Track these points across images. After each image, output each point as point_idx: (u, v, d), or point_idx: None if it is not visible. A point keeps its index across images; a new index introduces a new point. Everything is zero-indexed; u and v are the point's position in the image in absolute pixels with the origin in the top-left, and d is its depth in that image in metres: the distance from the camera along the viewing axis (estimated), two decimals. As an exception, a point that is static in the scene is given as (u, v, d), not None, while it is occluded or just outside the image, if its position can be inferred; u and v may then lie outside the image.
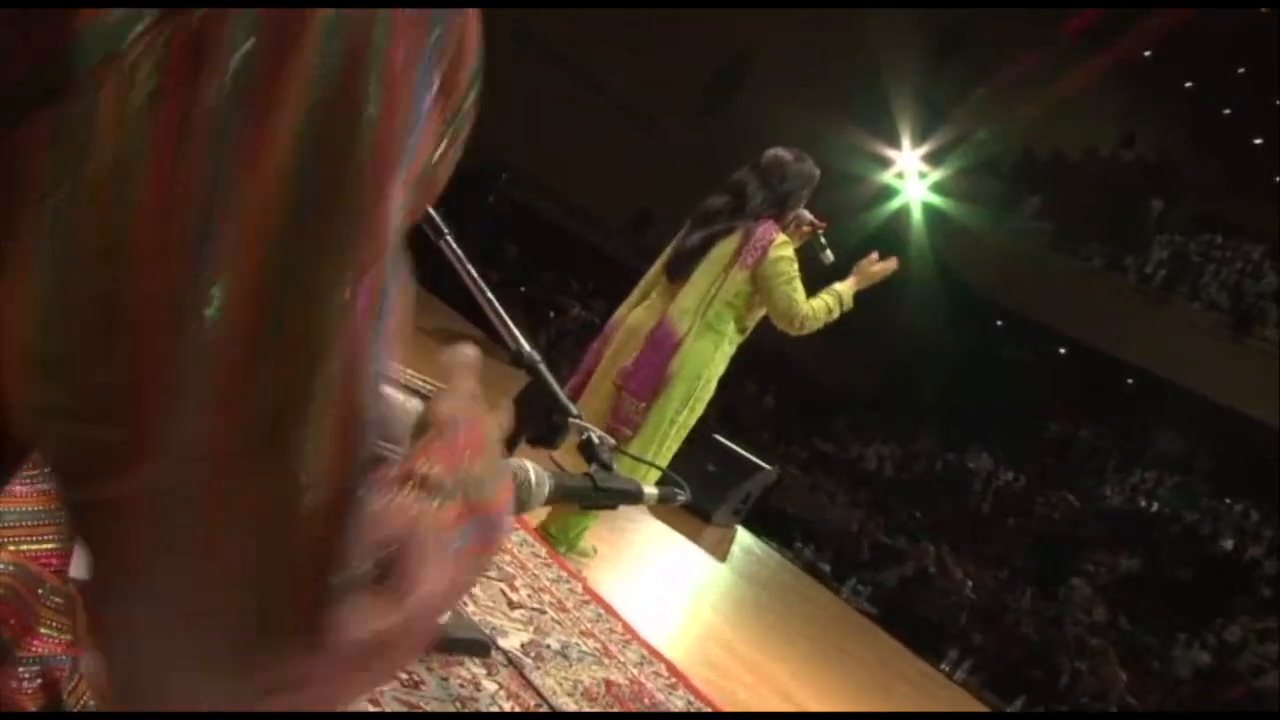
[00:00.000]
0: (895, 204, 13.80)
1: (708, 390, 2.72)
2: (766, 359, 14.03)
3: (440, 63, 0.33)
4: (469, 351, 0.54)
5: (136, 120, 0.26)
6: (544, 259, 12.00)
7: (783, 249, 2.67)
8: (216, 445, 0.28)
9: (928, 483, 12.60)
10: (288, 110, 0.28)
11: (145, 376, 0.27)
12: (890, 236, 13.26)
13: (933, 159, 13.25)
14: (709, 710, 1.96)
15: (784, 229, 2.75)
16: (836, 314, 2.72)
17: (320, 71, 0.28)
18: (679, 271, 2.73)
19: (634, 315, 2.77)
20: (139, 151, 0.26)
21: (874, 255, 2.83)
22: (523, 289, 7.44)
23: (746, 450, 6.26)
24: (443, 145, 0.37)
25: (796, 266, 2.68)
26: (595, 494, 1.07)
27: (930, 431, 14.45)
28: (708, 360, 2.67)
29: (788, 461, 11.18)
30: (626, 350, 2.70)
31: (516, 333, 1.21)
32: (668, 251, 2.84)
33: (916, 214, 13.67)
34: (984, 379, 15.02)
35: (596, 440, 1.15)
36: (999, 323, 15.09)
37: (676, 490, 1.21)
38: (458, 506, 0.38)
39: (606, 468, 1.13)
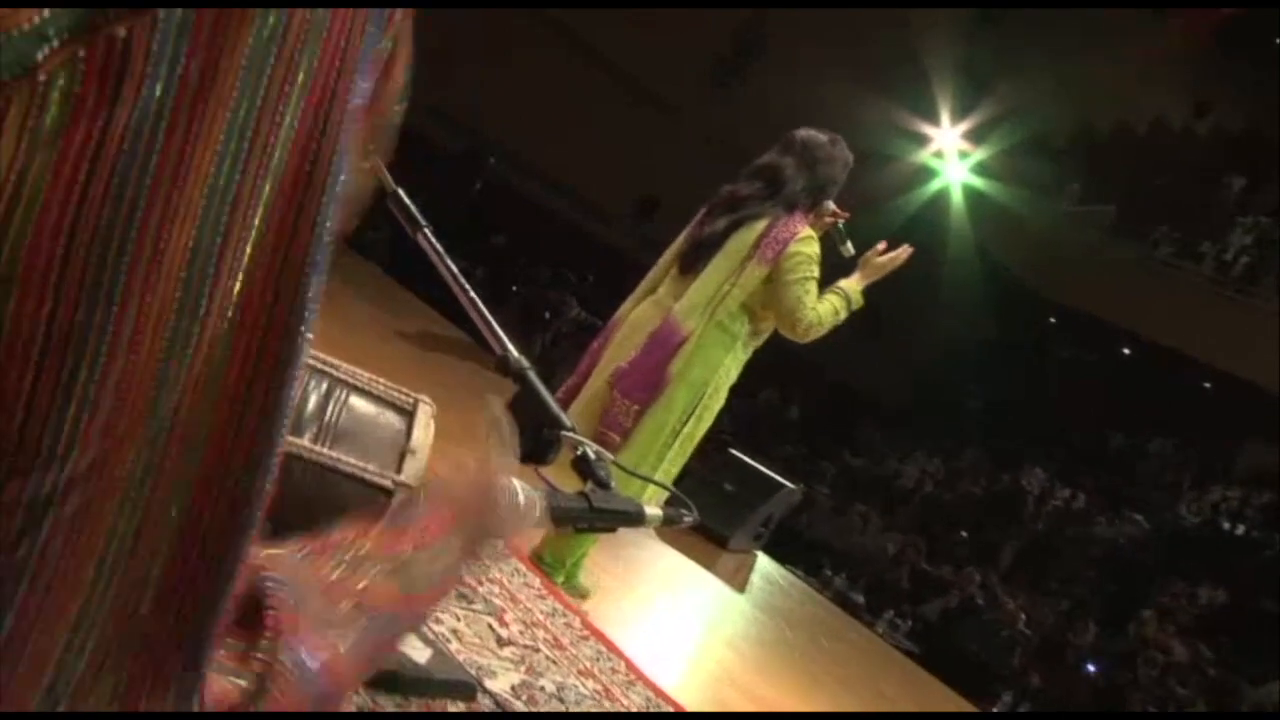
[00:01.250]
0: (933, 187, 13.81)
1: (717, 399, 2.73)
2: (789, 363, 13.99)
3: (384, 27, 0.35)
4: (495, 411, 0.57)
5: (46, 142, 0.28)
6: (538, 252, 12.02)
7: (807, 244, 2.69)
8: (108, 470, 0.31)
9: (974, 502, 12.58)
10: (216, 123, 0.30)
11: (39, 398, 0.29)
12: (927, 223, 13.29)
13: (975, 136, 13.26)
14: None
15: (810, 219, 2.78)
16: (844, 315, 2.74)
17: (252, 79, 0.31)
18: (694, 263, 2.75)
19: (638, 311, 2.80)
20: (44, 175, 0.28)
21: (880, 245, 2.85)
22: (515, 288, 7.48)
23: (767, 466, 6.28)
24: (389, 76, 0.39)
25: (817, 268, 2.70)
26: (591, 516, 1.09)
27: (976, 444, 14.42)
28: (716, 365, 2.69)
29: (814, 479, 11.18)
30: (625, 348, 2.73)
31: (503, 337, 1.24)
32: (680, 240, 2.86)
33: (957, 198, 13.68)
34: (1037, 383, 15.02)
35: (593, 456, 1.18)
36: (1052, 320, 15.10)
37: (683, 511, 1.24)
38: (384, 589, 0.41)
39: (604, 486, 1.15)
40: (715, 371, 2.69)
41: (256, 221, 0.40)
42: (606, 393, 2.68)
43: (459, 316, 7.80)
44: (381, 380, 1.32)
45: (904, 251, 2.83)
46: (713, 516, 5.49)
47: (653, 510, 1.20)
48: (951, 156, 13.57)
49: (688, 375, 2.65)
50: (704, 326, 2.66)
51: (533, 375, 1.22)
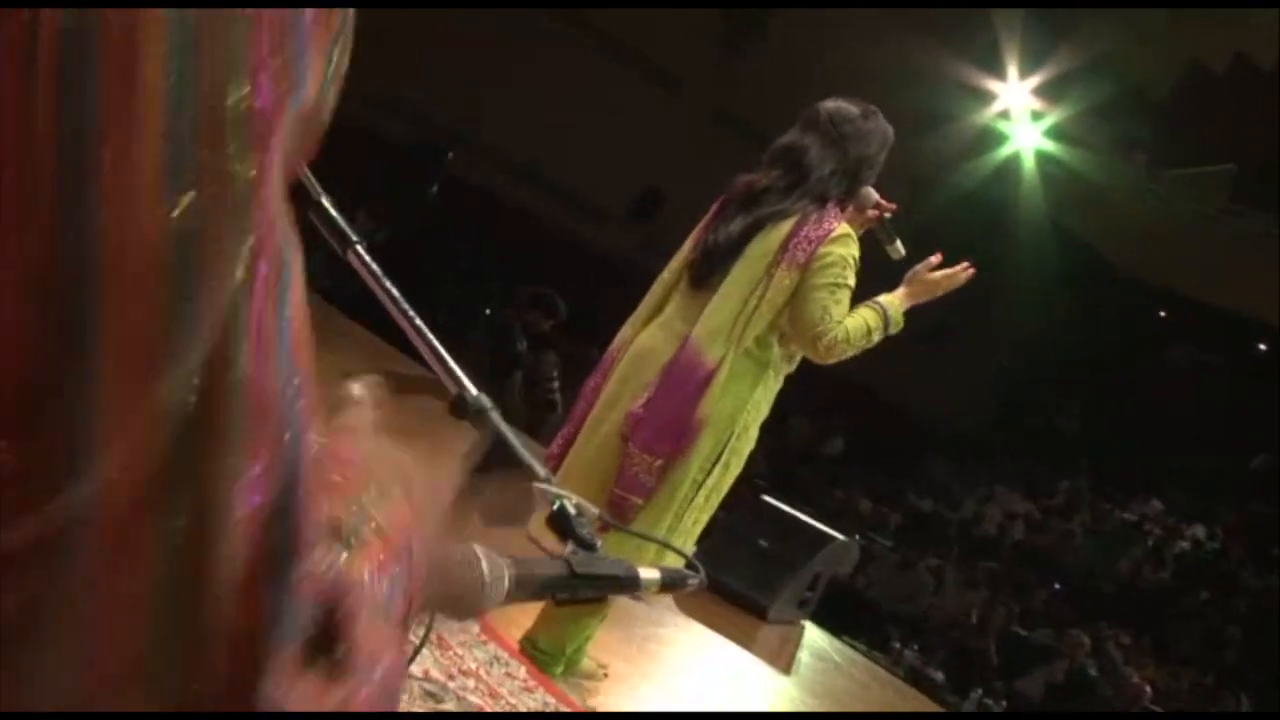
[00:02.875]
0: (1000, 154, 13.88)
1: (746, 441, 2.75)
2: (829, 386, 13.98)
3: None
4: (358, 389, 0.61)
5: None
6: (515, 265, 12.09)
7: (842, 244, 2.70)
8: (117, 486, 0.35)
9: (1076, 547, 12.54)
10: (152, 118, 0.34)
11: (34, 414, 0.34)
12: (993, 199, 13.35)
13: (1050, 92, 13.33)
14: None
15: (847, 213, 2.80)
16: (878, 337, 2.76)
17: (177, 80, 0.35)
18: (708, 275, 2.77)
19: (643, 338, 2.82)
20: None
21: (934, 259, 2.86)
22: (488, 311, 7.54)
23: (810, 516, 6.29)
24: (331, 66, 0.43)
25: (852, 274, 2.72)
26: (574, 583, 1.12)
27: (1074, 474, 14.40)
28: (744, 400, 2.71)
29: (871, 528, 11.16)
30: (633, 386, 2.74)
31: (457, 371, 1.27)
32: (688, 247, 2.88)
33: (1029, 165, 13.74)
34: (1148, 394, 15.02)
35: (573, 510, 1.21)
36: (1161, 313, 15.11)
37: (686, 573, 1.26)
38: (372, 547, 0.45)
39: (588, 546, 1.18)
40: (744, 408, 2.71)
41: None
42: (619, 445, 2.70)
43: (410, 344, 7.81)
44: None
45: (964, 270, 2.84)
46: (747, 581, 5.50)
47: (649, 573, 1.23)
48: (1021, 117, 13.66)
49: (716, 416, 2.67)
50: (732, 354, 2.68)
51: (496, 417, 1.25)
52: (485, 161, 11.81)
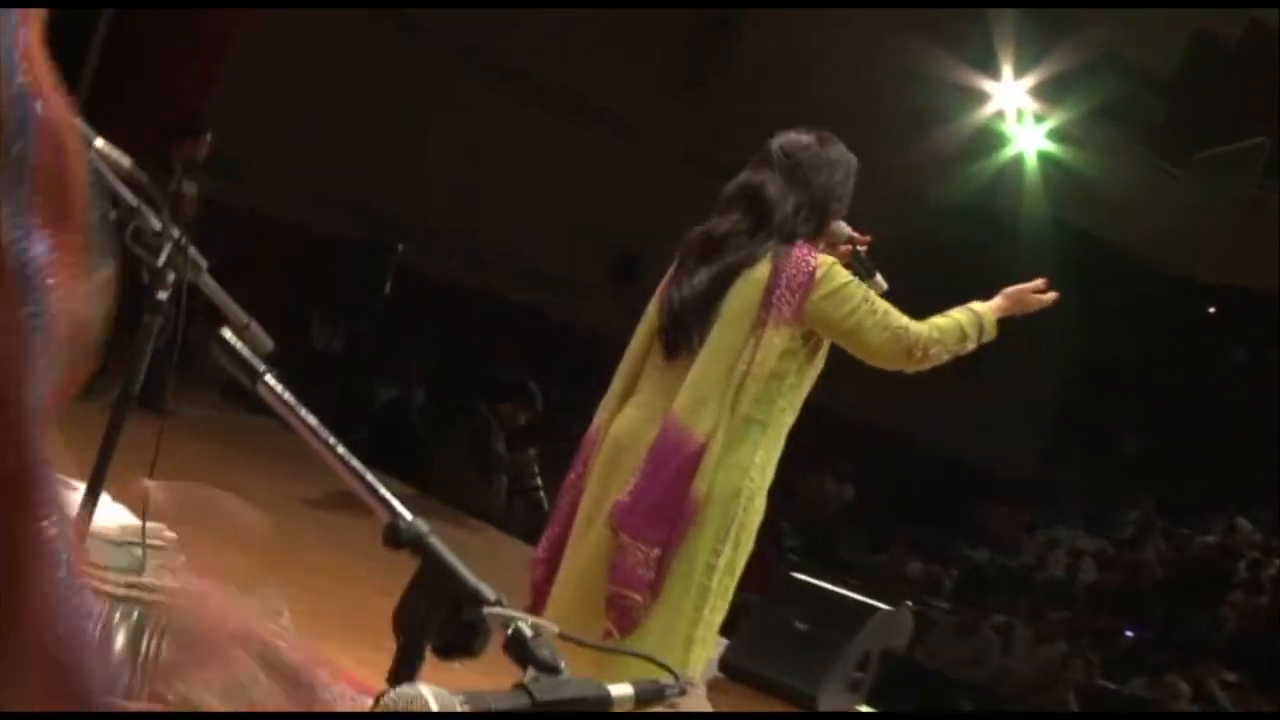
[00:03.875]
0: (1001, 158, 14.00)
1: (754, 512, 2.76)
2: (845, 433, 14.06)
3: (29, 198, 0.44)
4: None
5: None
6: (490, 357, 12.13)
7: (834, 271, 2.76)
8: None
9: (1156, 582, 12.42)
10: None
11: None
12: (1000, 207, 13.43)
13: (1051, 91, 13.48)
14: None
15: (822, 249, 2.85)
16: (973, 343, 2.84)
17: None
18: (682, 341, 2.80)
19: (622, 420, 2.84)
20: None
21: (1040, 283, 2.96)
22: (460, 411, 7.61)
23: (853, 586, 6.27)
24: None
25: (860, 284, 2.78)
26: (536, 713, 1.13)
27: (1142, 500, 14.32)
28: (747, 468, 2.73)
29: (924, 591, 11.06)
30: (616, 475, 2.76)
31: (387, 496, 1.30)
32: (653, 310, 2.91)
33: (1033, 168, 13.85)
34: (1212, 400, 14.99)
35: (529, 633, 1.23)
36: (1211, 310, 15.14)
37: (664, 684, 1.27)
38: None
39: (551, 670, 1.19)
40: (746, 476, 2.72)
41: None
42: (610, 540, 2.71)
43: (387, 458, 7.93)
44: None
45: (1053, 297, 2.96)
46: (789, 670, 5.49)
47: (622, 690, 1.24)
48: (1021, 119, 13.80)
49: (717, 493, 2.68)
50: (725, 425, 2.69)
51: (434, 541, 1.27)
52: (440, 248, 11.91)
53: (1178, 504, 14.37)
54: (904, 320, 2.77)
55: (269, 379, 1.43)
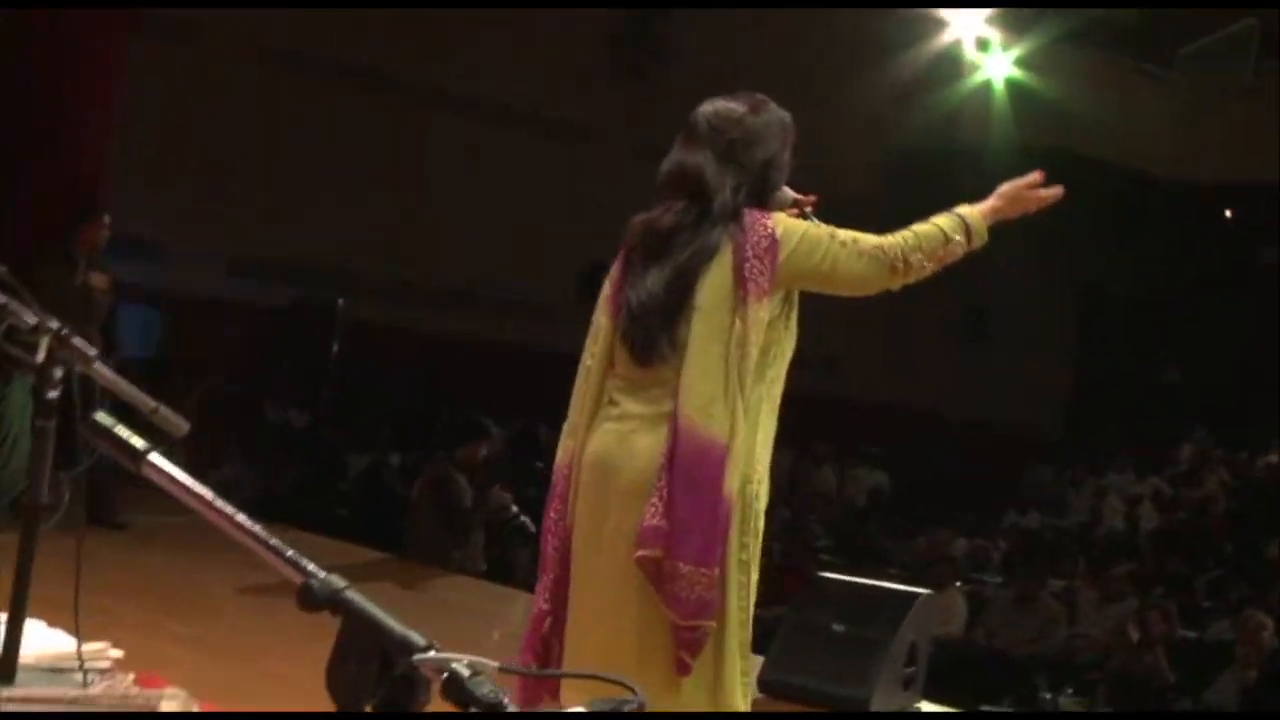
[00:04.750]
0: (967, 86, 14.08)
1: (764, 494, 2.82)
2: (868, 418, 14.07)
3: None
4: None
5: None
6: (467, 403, 12.12)
7: (791, 225, 2.81)
8: None
9: (1223, 513, 12.43)
10: None
11: None
12: (972, 135, 13.47)
13: (1014, 23, 13.56)
14: None
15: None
16: (960, 247, 2.86)
17: None
18: (653, 343, 2.81)
19: (598, 443, 2.84)
20: None
21: (1035, 176, 2.98)
22: (427, 468, 7.69)
23: (884, 578, 6.26)
24: None
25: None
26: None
27: (1191, 431, 14.34)
28: (752, 450, 2.77)
29: (974, 569, 11.07)
30: (614, 496, 2.78)
31: (296, 558, 1.34)
32: (604, 320, 2.90)
33: (1001, 93, 13.94)
34: (1247, 312, 15.02)
35: (466, 672, 1.26)
36: (1228, 213, 15.15)
37: (620, 700, 1.30)
38: None
39: (495, 706, 1.22)
40: (753, 458, 2.77)
41: None
42: (640, 574, 2.71)
43: (370, 529, 7.93)
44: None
45: (1054, 192, 2.98)
46: (832, 678, 5.45)
47: (576, 711, 1.28)
48: (983, 46, 13.89)
49: (736, 486, 2.72)
50: (739, 417, 2.74)
51: (351, 595, 1.30)
52: (386, 294, 11.95)
53: (1231, 427, 14.41)
54: (874, 239, 2.81)
55: (153, 458, 1.46)
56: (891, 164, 14.40)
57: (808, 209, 2.95)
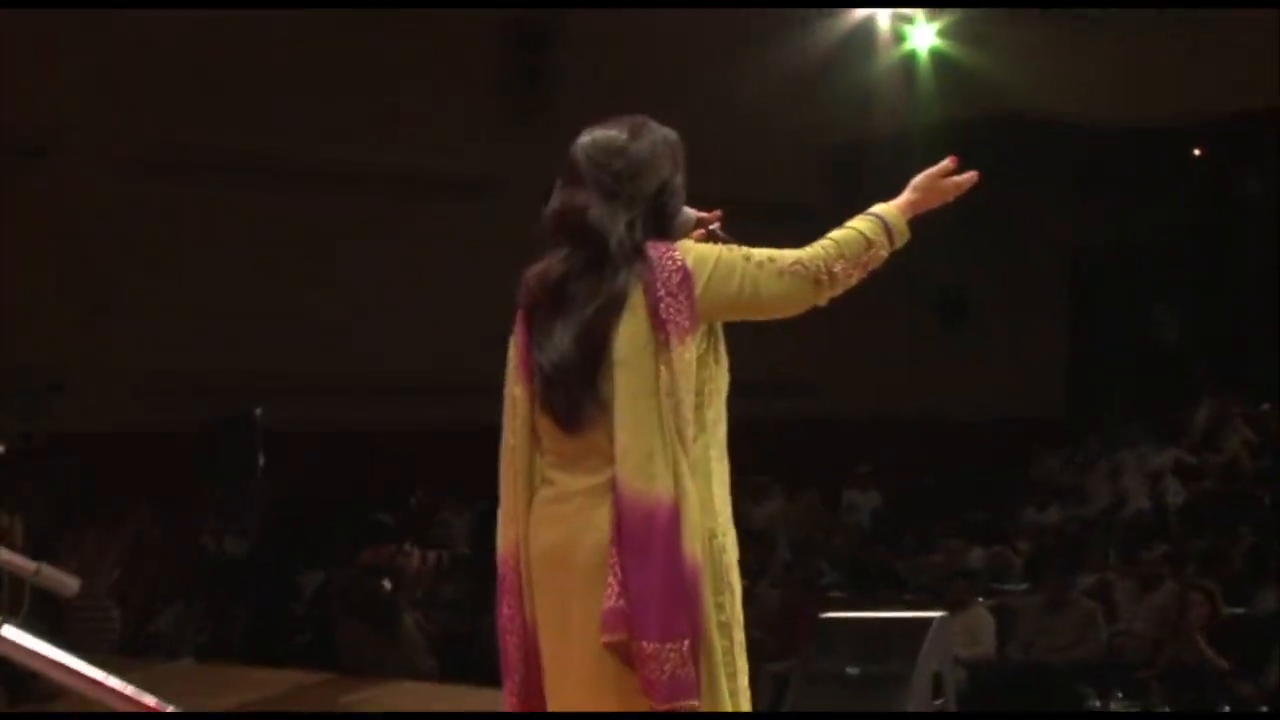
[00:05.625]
0: (888, 66, 14.23)
1: (732, 545, 2.80)
2: (853, 437, 14.07)
3: None
4: None
5: None
6: (419, 495, 12.06)
7: (701, 253, 2.80)
8: None
9: (1252, 475, 12.49)
10: None
11: None
12: (902, 124, 13.60)
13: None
14: None
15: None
16: (884, 249, 2.87)
17: None
18: (578, 412, 2.78)
19: (541, 527, 2.82)
20: None
21: (948, 163, 3.01)
22: (388, 582, 7.71)
23: (892, 605, 6.26)
24: None
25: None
26: None
27: (1204, 388, 14.41)
28: (710, 501, 2.76)
29: (994, 579, 11.07)
30: (572, 583, 2.76)
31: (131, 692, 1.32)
32: (518, 391, 2.88)
33: (926, 63, 14.09)
34: (1237, 253, 15.20)
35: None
36: (1196, 152, 15.25)
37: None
38: None
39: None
40: (712, 510, 2.76)
41: None
42: (616, 663, 2.70)
43: (323, 649, 7.80)
44: None
45: (969, 177, 3.01)
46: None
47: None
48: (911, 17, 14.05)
49: (699, 543, 2.70)
50: (683, 469, 2.71)
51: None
52: (307, 393, 11.93)
53: (1244, 379, 14.50)
54: (792, 254, 2.79)
55: (6, 630, 1.42)
56: (829, 163, 14.51)
57: (714, 226, 2.95)
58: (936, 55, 13.97)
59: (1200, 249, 15.58)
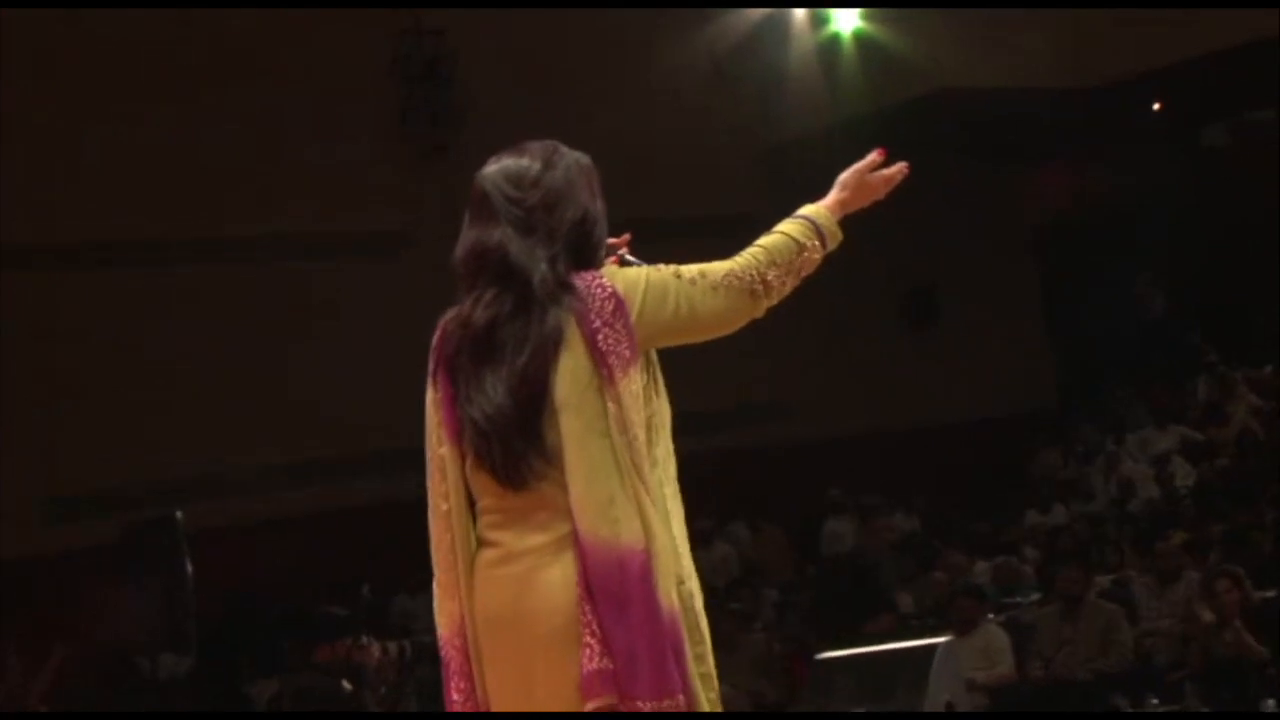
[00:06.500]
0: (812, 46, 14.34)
1: (697, 587, 2.81)
2: (836, 461, 14.12)
3: None
4: None
5: None
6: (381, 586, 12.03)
7: (629, 277, 2.81)
8: None
9: (1269, 447, 12.54)
10: None
11: None
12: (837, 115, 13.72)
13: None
14: None
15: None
16: (817, 253, 2.90)
17: None
18: (521, 465, 2.76)
19: (487, 595, 2.80)
20: None
21: (875, 157, 3.03)
22: (347, 682, 7.72)
23: (899, 634, 6.29)
24: None
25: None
26: None
27: (1199, 356, 14.51)
28: (671, 540, 2.76)
29: (1005, 592, 11.10)
30: (531, 650, 2.74)
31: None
32: (445, 455, 2.85)
33: (849, 50, 14.22)
34: (1212, 202, 15.32)
35: None
36: (1155, 106, 15.40)
37: None
38: None
39: None
40: (675, 551, 2.76)
41: None
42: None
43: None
44: None
45: (899, 169, 3.03)
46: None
47: None
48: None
49: (670, 589, 2.71)
50: (648, 513, 2.72)
51: None
52: (230, 487, 11.91)
53: (1240, 342, 14.62)
54: (723, 266, 2.81)
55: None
56: (763, 166, 14.56)
57: (623, 252, 2.96)
58: (861, 38, 14.05)
59: (1171, 210, 15.69)
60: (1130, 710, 9.10)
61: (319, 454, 12.65)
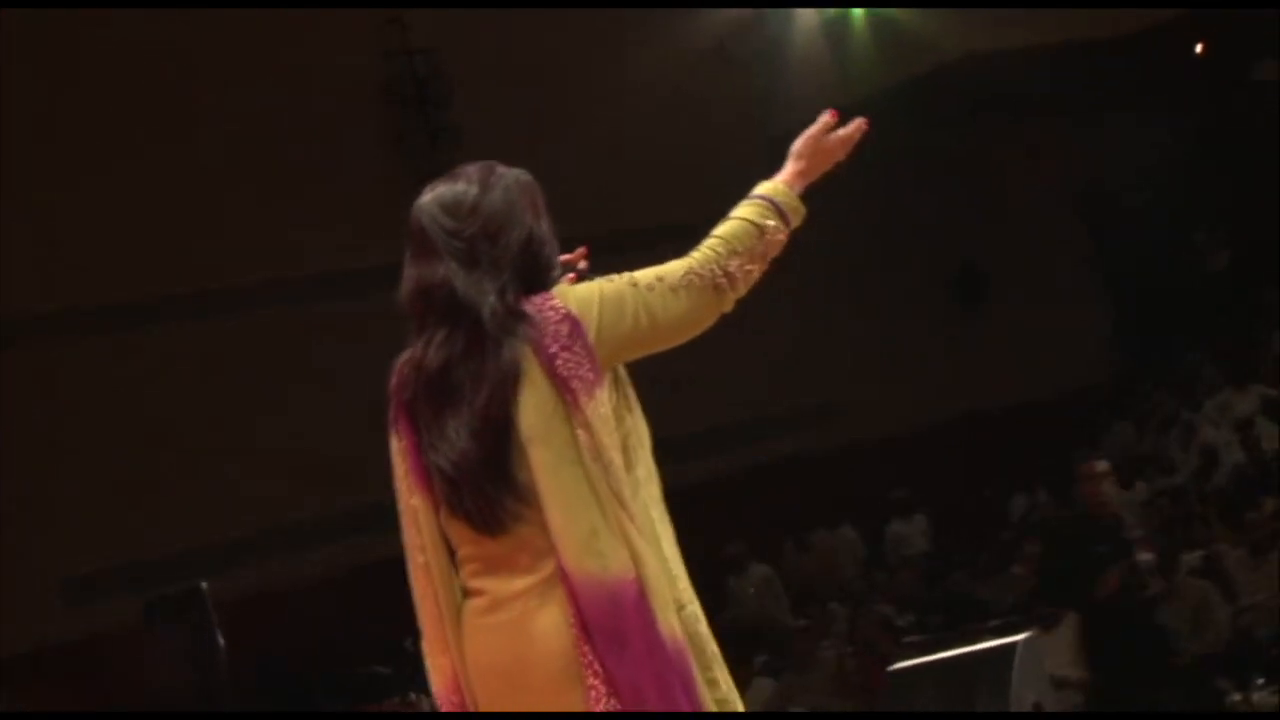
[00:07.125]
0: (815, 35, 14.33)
1: (698, 610, 2.83)
2: (887, 461, 14.08)
3: None
4: None
5: None
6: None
7: (581, 294, 2.82)
8: None
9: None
10: None
11: None
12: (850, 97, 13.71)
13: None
14: None
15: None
16: (781, 233, 2.90)
17: None
18: (496, 510, 2.77)
19: (482, 647, 2.81)
20: None
21: (827, 118, 3.01)
22: None
23: (977, 636, 6.27)
24: None
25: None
26: None
27: (1272, 306, 14.47)
28: (666, 564, 2.79)
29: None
30: (540, 697, 2.76)
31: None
32: (417, 506, 2.86)
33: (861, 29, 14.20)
34: (1260, 145, 15.23)
35: None
36: (1198, 49, 15.37)
37: None
38: None
39: None
40: (670, 576, 2.78)
41: None
42: None
43: None
44: None
45: (858, 126, 3.01)
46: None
47: None
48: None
49: (673, 617, 2.73)
50: (635, 541, 2.73)
51: None
52: (252, 551, 11.97)
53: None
54: (680, 265, 2.81)
55: None
56: (768, 157, 14.52)
57: (580, 265, 2.96)
58: (873, 15, 13.99)
59: (1224, 155, 15.64)
60: (1237, 694, 9.09)
61: (344, 506, 12.70)
